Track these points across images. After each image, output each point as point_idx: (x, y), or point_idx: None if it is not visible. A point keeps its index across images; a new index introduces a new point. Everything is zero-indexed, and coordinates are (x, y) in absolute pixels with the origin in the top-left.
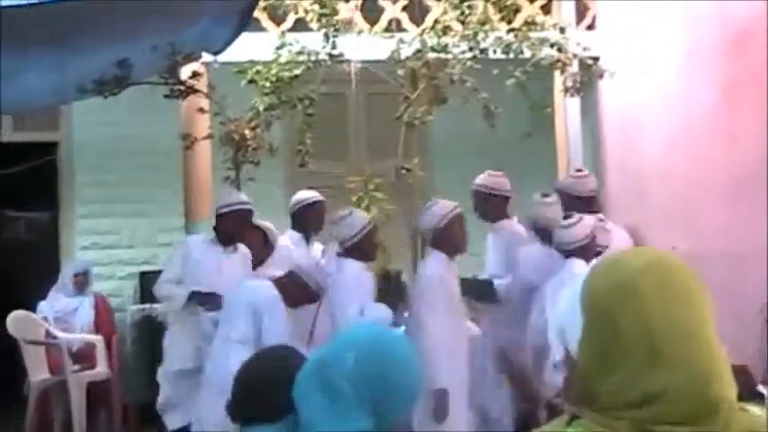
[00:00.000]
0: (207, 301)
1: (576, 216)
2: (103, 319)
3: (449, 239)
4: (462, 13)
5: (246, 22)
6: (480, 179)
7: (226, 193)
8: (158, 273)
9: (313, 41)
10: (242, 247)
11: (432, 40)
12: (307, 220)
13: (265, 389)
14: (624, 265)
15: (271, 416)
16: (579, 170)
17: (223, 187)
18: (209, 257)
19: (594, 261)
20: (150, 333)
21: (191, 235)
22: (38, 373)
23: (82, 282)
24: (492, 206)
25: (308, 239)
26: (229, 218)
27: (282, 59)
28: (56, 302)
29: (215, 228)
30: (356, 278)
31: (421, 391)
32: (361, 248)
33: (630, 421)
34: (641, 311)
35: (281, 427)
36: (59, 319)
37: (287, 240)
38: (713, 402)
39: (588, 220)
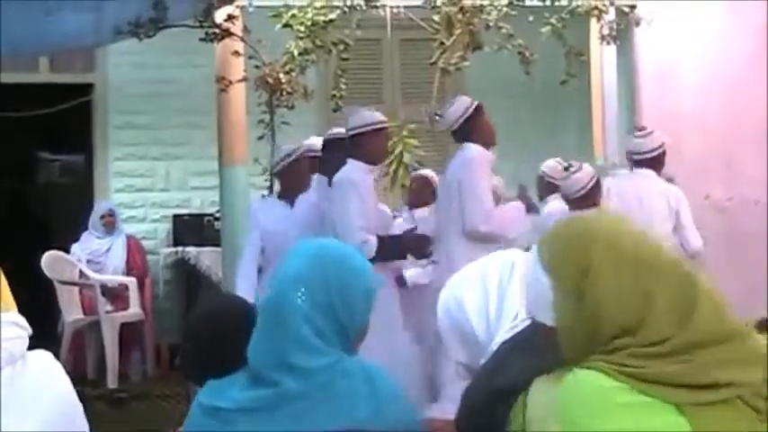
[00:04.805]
0: None
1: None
2: (136, 260)
3: None
4: None
5: None
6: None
7: None
8: (191, 216)
9: None
10: None
11: None
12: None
13: (219, 343)
14: (579, 231)
15: (222, 371)
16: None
17: None
18: None
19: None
20: (183, 276)
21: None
22: (71, 313)
23: (109, 222)
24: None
25: None
26: None
27: (318, 4)
28: (87, 244)
29: None
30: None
31: (372, 283)
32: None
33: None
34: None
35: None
36: (92, 260)
37: None
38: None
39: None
